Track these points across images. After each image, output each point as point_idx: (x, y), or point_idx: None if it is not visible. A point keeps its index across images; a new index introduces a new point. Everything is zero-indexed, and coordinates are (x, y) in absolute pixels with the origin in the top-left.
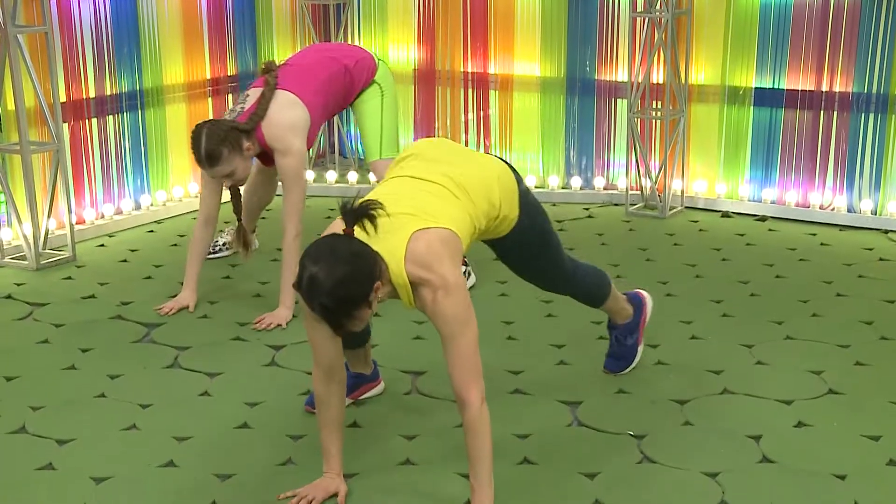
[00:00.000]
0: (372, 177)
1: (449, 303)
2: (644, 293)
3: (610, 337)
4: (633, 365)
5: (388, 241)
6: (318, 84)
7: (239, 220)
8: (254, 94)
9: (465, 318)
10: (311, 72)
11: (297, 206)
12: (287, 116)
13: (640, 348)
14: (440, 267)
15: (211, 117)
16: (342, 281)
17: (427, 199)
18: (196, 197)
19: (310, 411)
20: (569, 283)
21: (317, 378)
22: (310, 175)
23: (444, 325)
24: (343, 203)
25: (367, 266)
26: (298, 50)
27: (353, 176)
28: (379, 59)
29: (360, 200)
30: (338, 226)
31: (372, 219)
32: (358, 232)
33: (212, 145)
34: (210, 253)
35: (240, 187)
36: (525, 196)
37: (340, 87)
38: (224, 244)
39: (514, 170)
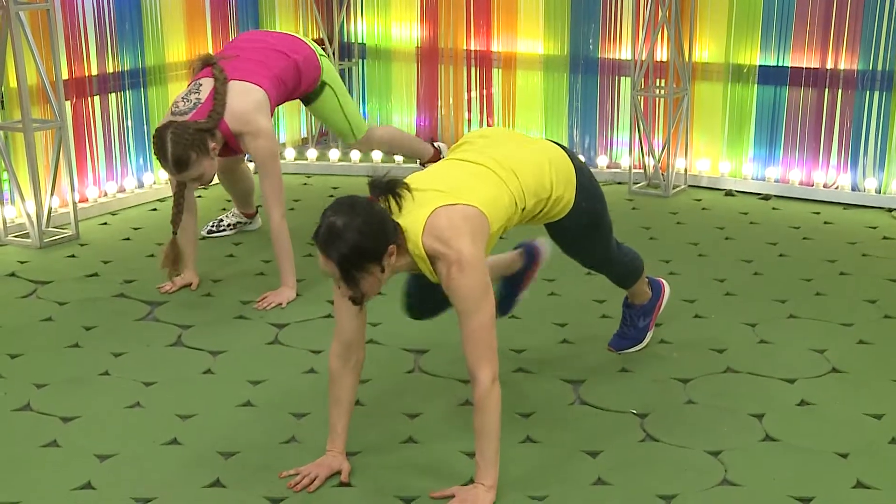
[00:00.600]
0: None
1: (463, 279)
2: (665, 282)
3: (623, 315)
4: (638, 348)
5: (412, 213)
6: (272, 76)
7: (174, 232)
8: (206, 84)
9: (479, 296)
10: (262, 64)
11: (277, 188)
12: (249, 100)
13: (650, 334)
14: (457, 242)
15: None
16: (360, 231)
17: (464, 178)
18: None
19: None
20: (608, 264)
21: (334, 353)
22: (312, 153)
23: (458, 301)
24: (373, 177)
25: (384, 226)
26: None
27: (355, 154)
28: (320, 55)
29: (390, 178)
30: None
31: (397, 197)
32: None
33: (179, 151)
34: (214, 231)
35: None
36: (584, 181)
37: (291, 83)
38: (228, 224)
39: (573, 155)
